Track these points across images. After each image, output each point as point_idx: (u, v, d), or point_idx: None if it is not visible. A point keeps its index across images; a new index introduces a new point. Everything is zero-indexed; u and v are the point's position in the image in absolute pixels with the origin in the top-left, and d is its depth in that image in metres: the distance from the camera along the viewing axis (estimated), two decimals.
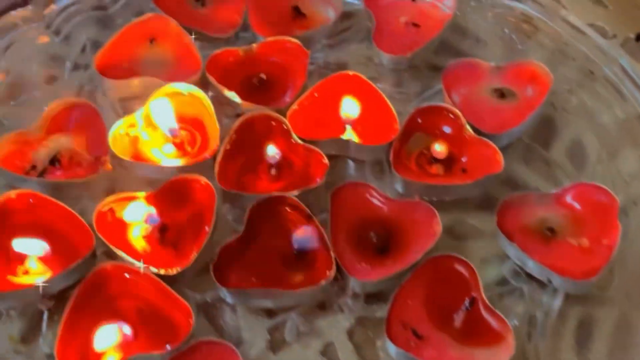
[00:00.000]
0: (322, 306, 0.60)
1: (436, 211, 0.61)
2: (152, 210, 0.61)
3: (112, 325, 0.56)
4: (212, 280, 0.58)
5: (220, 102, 0.69)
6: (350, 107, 0.68)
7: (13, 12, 0.73)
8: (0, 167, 0.63)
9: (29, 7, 0.73)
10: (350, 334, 0.59)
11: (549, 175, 0.67)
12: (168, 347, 0.54)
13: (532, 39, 0.75)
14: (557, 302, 0.60)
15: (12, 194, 0.61)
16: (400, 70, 0.74)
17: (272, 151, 0.65)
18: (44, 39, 0.73)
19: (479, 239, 0.63)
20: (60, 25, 0.74)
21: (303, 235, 0.60)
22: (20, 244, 0.59)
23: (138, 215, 0.60)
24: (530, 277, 0.61)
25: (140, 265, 0.58)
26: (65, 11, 0.75)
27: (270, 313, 0.59)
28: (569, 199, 0.63)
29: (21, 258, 0.59)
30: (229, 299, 0.59)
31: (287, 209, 0.62)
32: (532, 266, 0.60)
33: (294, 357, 0.58)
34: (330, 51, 0.75)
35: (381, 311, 0.59)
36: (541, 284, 0.61)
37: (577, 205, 0.63)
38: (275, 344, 0.58)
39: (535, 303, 0.60)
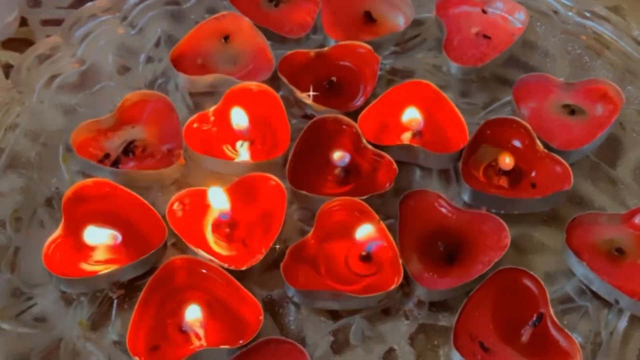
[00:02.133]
0: (387, 311, 0.59)
1: (505, 224, 0.60)
2: (225, 207, 0.60)
3: (195, 308, 0.55)
4: (278, 278, 0.58)
5: (288, 103, 0.69)
6: (412, 115, 0.67)
7: (91, 3, 0.73)
8: (76, 154, 0.63)
9: None
10: (412, 340, 0.58)
11: (615, 195, 0.66)
12: (243, 342, 0.54)
13: (601, 57, 0.73)
14: (623, 323, 0.59)
15: (89, 181, 0.61)
16: (468, 81, 0.73)
17: (341, 155, 0.64)
18: (120, 30, 0.73)
19: (544, 254, 0.63)
20: (135, 18, 0.74)
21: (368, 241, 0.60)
22: (93, 232, 0.59)
23: (218, 202, 0.60)
24: (595, 295, 0.60)
25: (211, 258, 0.58)
26: (142, 4, 0.74)
27: (334, 315, 0.59)
28: (638, 219, 0.62)
29: (94, 246, 0.59)
30: (296, 298, 0.58)
31: (356, 213, 0.61)
32: (599, 286, 0.59)
33: None
34: (398, 58, 0.75)
35: (445, 320, 0.58)
36: (606, 303, 0.59)
37: None
38: (338, 346, 0.58)
39: (600, 322, 0.59)
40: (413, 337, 0.58)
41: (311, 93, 0.68)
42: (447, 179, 0.66)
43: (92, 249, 0.59)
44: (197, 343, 0.55)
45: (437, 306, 0.59)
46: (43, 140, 0.66)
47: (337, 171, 0.64)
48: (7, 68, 0.74)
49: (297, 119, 0.69)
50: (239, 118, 0.65)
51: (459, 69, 0.72)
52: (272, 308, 0.59)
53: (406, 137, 0.67)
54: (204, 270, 0.58)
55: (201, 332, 0.55)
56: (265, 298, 0.59)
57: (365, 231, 0.60)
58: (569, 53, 0.74)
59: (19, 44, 0.76)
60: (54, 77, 0.70)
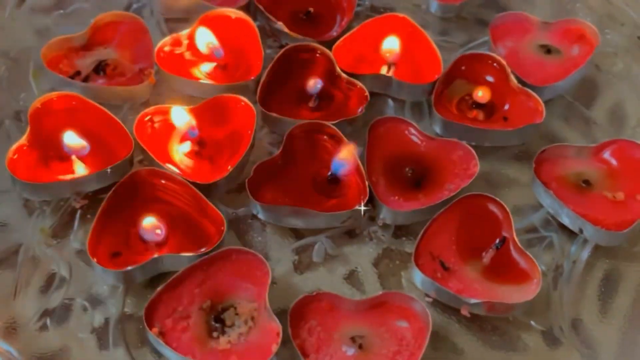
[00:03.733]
0: (352, 234, 0.61)
1: (475, 153, 0.62)
2: (193, 123, 0.62)
3: (151, 217, 0.57)
4: (244, 198, 0.60)
5: (265, 33, 0.70)
6: (392, 45, 0.68)
7: None
8: (46, 69, 0.65)
9: None
10: (376, 263, 0.60)
11: (587, 133, 0.68)
12: (205, 251, 0.55)
13: (581, 1, 0.75)
14: (586, 253, 0.60)
15: (57, 94, 0.63)
16: (448, 20, 0.75)
17: (314, 82, 0.66)
18: None
19: (514, 188, 0.64)
20: None
21: (338, 162, 0.61)
22: (70, 137, 0.60)
23: (181, 122, 0.61)
24: (560, 227, 0.62)
25: (171, 168, 0.59)
26: None
27: (299, 236, 0.61)
28: (606, 154, 0.64)
29: (61, 156, 0.61)
30: (261, 215, 0.60)
31: (325, 136, 0.63)
32: (565, 216, 0.61)
33: (318, 279, 0.59)
34: None
35: (409, 246, 0.60)
36: (571, 235, 0.61)
37: (613, 161, 0.63)
38: (301, 266, 0.59)
39: (564, 252, 0.61)
40: (376, 261, 0.60)
41: (281, 22, 0.69)
42: (420, 112, 0.68)
43: (58, 160, 0.61)
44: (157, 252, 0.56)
45: (402, 231, 0.61)
46: (13, 55, 0.68)
47: (310, 98, 0.66)
48: None
49: (273, 49, 0.70)
50: (206, 38, 0.67)
51: (438, 6, 0.74)
52: (237, 226, 0.61)
53: (383, 69, 0.68)
54: (168, 183, 0.59)
55: (162, 241, 0.57)
56: (230, 216, 0.60)
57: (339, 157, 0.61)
58: None
59: None
60: None
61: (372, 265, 0.60)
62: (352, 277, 0.59)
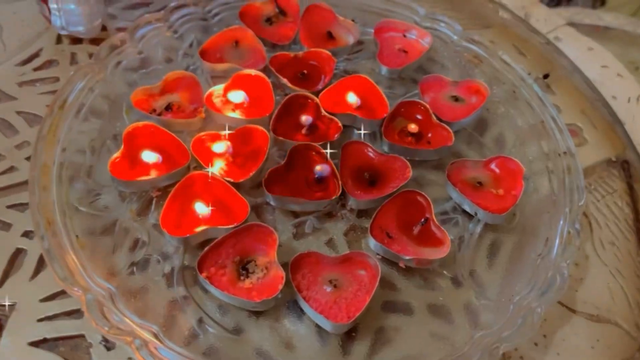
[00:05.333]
0: (330, 215, 0.62)
1: (409, 164, 0.63)
2: (229, 144, 0.63)
3: (202, 203, 0.58)
4: (261, 192, 0.61)
5: (275, 86, 0.71)
6: (352, 98, 0.69)
7: (148, 15, 0.75)
8: (134, 108, 0.66)
9: (162, 12, 0.75)
10: (346, 234, 0.61)
11: (481, 153, 0.69)
12: (236, 224, 0.56)
13: (478, 68, 0.76)
14: (479, 228, 0.62)
15: (140, 124, 0.63)
16: (393, 79, 0.75)
17: (306, 117, 0.67)
18: (168, 34, 0.75)
19: (433, 186, 0.65)
20: (177, 26, 0.76)
21: (321, 169, 0.63)
22: (147, 154, 0.61)
23: (221, 144, 0.62)
24: (463, 212, 0.63)
25: (214, 172, 0.60)
26: (182, 18, 0.76)
27: (295, 215, 0.61)
28: (492, 165, 0.65)
29: (143, 165, 0.61)
30: (272, 202, 0.61)
31: (314, 153, 0.64)
32: (466, 204, 0.62)
33: (308, 244, 0.60)
34: (348, 63, 0.77)
35: (367, 223, 0.60)
36: (469, 217, 0.63)
37: (497, 170, 0.65)
38: (298, 235, 0.60)
39: (465, 228, 0.62)
40: (346, 232, 0.61)
41: (286, 79, 0.70)
42: (375, 138, 0.69)
43: (141, 167, 0.62)
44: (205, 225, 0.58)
45: (362, 213, 0.62)
46: (112, 98, 0.68)
47: (303, 128, 0.67)
48: (91, 56, 0.75)
49: (281, 96, 0.71)
50: (235, 95, 0.68)
51: (387, 70, 0.75)
52: (257, 209, 0.61)
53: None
54: (213, 181, 0.60)
55: (209, 219, 0.58)
56: (252, 203, 0.61)
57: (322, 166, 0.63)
58: (458, 65, 0.77)
59: (101, 41, 0.77)
60: (121, 61, 0.71)
61: (343, 235, 0.61)
62: (330, 243, 0.60)
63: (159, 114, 0.67)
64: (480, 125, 0.72)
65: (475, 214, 0.62)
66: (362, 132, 0.68)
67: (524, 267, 0.59)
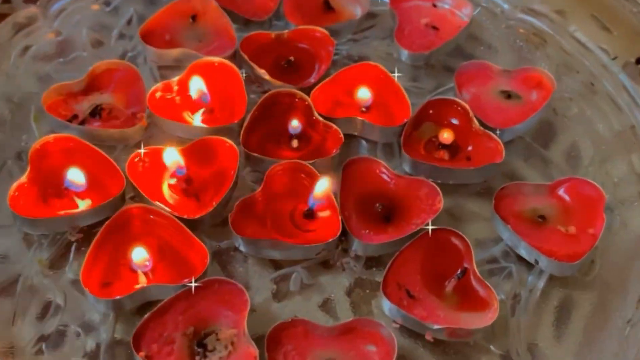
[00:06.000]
0: (326, 264, 0.62)
1: (440, 190, 0.64)
2: (181, 162, 0.64)
3: (140, 250, 0.58)
4: (227, 232, 0.61)
5: (249, 80, 0.72)
6: (364, 94, 0.70)
7: None
8: (46, 113, 0.67)
9: None
10: (349, 292, 0.61)
11: (545, 172, 0.69)
12: (188, 281, 0.57)
13: (540, 50, 0.77)
14: (542, 283, 0.62)
15: (50, 137, 0.64)
16: (417, 67, 0.76)
17: (294, 124, 0.68)
18: (95, 7, 0.77)
19: (476, 222, 0.66)
20: None
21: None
22: (69, 175, 0.62)
23: (170, 159, 0.63)
24: (518, 258, 0.63)
25: (159, 204, 0.61)
26: None
27: (277, 266, 0.62)
28: (560, 191, 0.65)
29: (58, 193, 0.62)
30: (242, 247, 0.61)
31: (303, 175, 0.65)
32: (522, 248, 0.62)
33: (295, 307, 0.60)
34: (354, 45, 0.78)
35: (379, 276, 0.61)
36: (528, 266, 0.63)
37: (567, 197, 0.65)
38: (280, 294, 0.61)
39: (521, 282, 0.62)
40: (349, 290, 0.61)
41: (264, 70, 0.71)
42: (391, 152, 0.70)
43: (57, 197, 0.62)
44: (145, 281, 0.58)
45: (372, 261, 0.62)
46: (16, 100, 0.70)
47: (290, 139, 0.68)
48: None
49: (257, 94, 0.72)
50: (198, 87, 0.69)
51: (408, 55, 0.76)
52: (221, 257, 0.62)
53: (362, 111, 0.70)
54: (157, 218, 0.61)
55: (150, 273, 0.59)
56: (214, 248, 0.62)
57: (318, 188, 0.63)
58: (511, 47, 0.78)
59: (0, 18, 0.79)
60: (29, 46, 0.73)
61: (345, 294, 0.61)
62: (326, 305, 0.60)
63: (82, 122, 0.68)
64: (543, 134, 0.72)
65: (537, 262, 0.62)
66: (374, 144, 0.68)
67: (606, 339, 0.59)
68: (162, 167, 0.65)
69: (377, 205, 0.64)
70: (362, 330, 0.57)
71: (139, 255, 0.59)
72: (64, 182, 0.62)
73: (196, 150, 0.66)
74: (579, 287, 0.62)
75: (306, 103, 0.69)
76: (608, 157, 0.70)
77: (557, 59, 0.77)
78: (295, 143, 0.68)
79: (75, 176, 0.62)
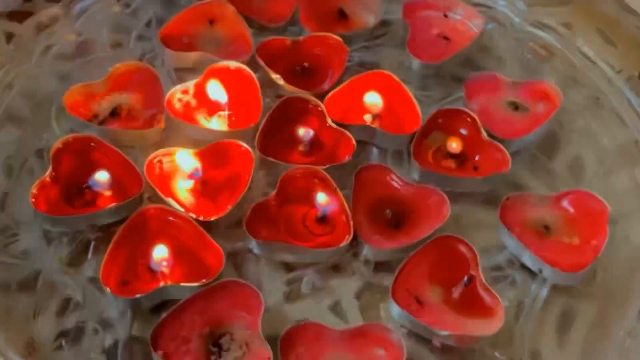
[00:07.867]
0: (337, 268, 0.63)
1: (447, 199, 0.64)
2: (198, 165, 0.64)
3: (160, 249, 0.59)
4: (242, 234, 0.62)
5: (264, 85, 0.72)
6: (373, 100, 0.71)
7: None
8: (67, 112, 0.67)
9: None
10: (358, 295, 0.62)
11: (549, 183, 0.70)
12: (206, 281, 0.57)
13: (547, 63, 0.77)
14: (545, 292, 0.62)
15: (77, 135, 0.65)
16: (427, 77, 0.76)
17: (305, 131, 0.68)
18: (116, 9, 0.77)
19: (481, 230, 0.66)
20: None
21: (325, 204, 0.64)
22: (97, 176, 0.63)
23: (186, 164, 0.64)
24: (522, 267, 0.64)
25: (176, 206, 0.62)
26: None
27: (289, 268, 0.62)
28: (565, 202, 0.66)
29: (79, 191, 0.63)
30: (256, 249, 0.62)
31: (316, 180, 0.65)
32: (526, 257, 0.63)
33: (306, 309, 0.61)
34: (366, 52, 0.78)
35: (387, 280, 0.61)
36: (532, 274, 0.63)
37: (571, 209, 0.66)
38: (291, 296, 0.61)
39: (525, 290, 0.63)
40: (358, 293, 0.62)
41: (279, 75, 0.72)
42: (400, 159, 0.70)
43: (76, 196, 0.63)
44: (163, 282, 0.59)
45: (381, 267, 0.63)
46: (38, 100, 0.70)
47: (302, 145, 0.69)
48: (10, 38, 0.77)
49: (271, 99, 0.72)
50: (215, 90, 0.69)
51: (419, 64, 0.76)
52: (235, 258, 0.62)
53: (367, 119, 0.71)
54: (173, 219, 0.61)
55: (167, 272, 0.59)
56: (228, 249, 0.62)
57: (323, 197, 0.64)
58: (519, 59, 0.79)
59: (23, 16, 0.78)
60: (51, 45, 0.73)
61: (354, 298, 0.61)
62: (336, 308, 0.61)
63: (102, 122, 0.68)
64: (549, 145, 0.72)
65: (540, 271, 0.63)
66: (385, 151, 0.69)
67: (607, 350, 0.60)
68: (179, 169, 0.65)
69: (387, 211, 0.65)
70: (371, 335, 0.57)
71: (160, 253, 0.59)
72: (85, 181, 0.63)
73: (212, 153, 0.66)
74: (581, 297, 0.62)
75: (320, 109, 0.70)
76: (612, 170, 0.71)
77: (564, 72, 0.77)
78: (306, 147, 0.68)
79: (101, 176, 0.63)
